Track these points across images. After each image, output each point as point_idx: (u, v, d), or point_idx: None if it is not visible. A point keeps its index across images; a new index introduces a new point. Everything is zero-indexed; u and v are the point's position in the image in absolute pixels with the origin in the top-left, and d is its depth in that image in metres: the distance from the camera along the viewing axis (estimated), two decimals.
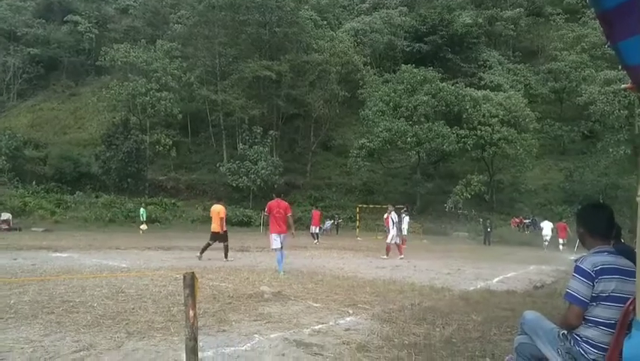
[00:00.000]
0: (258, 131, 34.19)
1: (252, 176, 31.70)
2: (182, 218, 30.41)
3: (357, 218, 27.65)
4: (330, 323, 5.00)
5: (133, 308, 5.39)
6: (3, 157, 30.15)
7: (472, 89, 35.92)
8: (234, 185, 32.13)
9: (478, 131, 32.21)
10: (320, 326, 4.88)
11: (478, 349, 4.17)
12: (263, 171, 31.84)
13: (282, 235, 9.13)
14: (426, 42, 44.35)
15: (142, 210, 25.26)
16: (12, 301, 5.62)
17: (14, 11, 44.81)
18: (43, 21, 46.60)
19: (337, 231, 29.52)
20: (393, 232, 13.38)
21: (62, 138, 38.78)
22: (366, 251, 15.75)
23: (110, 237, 19.38)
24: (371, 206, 27.80)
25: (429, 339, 4.46)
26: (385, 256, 12.99)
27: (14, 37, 42.60)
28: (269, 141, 34.51)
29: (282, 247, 9.10)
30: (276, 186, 32.85)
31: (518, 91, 38.25)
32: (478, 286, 8.29)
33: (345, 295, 6.68)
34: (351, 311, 5.65)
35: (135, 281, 7.38)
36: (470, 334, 4.72)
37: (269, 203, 9.50)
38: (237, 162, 32.44)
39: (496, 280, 9.44)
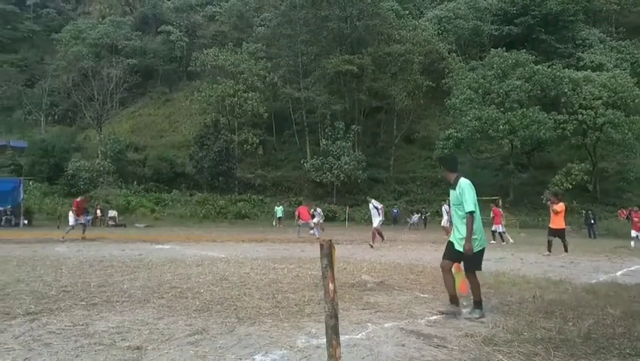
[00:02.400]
0: (341, 126, 34.10)
1: (336, 171, 31.67)
2: (269, 214, 31.17)
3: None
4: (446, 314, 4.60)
5: (238, 295, 5.36)
6: (108, 160, 32.81)
7: (571, 70, 33.07)
8: (318, 181, 32.34)
9: (579, 116, 29.57)
10: (435, 316, 4.51)
11: (628, 346, 3.57)
12: (346, 167, 31.71)
13: None
14: (516, 24, 41.66)
15: (278, 208, 26.59)
16: (125, 287, 5.84)
17: (115, 26, 48.66)
18: (140, 33, 50.17)
19: (425, 225, 28.61)
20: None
21: (159, 141, 41.41)
22: None
23: (205, 231, 20.22)
24: None
25: (564, 334, 3.92)
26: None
27: (115, 50, 46.25)
28: (351, 135, 34.30)
29: None
30: (359, 180, 32.62)
31: (624, 70, 34.58)
32: (601, 279, 7.39)
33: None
34: (465, 303, 5.19)
35: (236, 270, 7.44)
36: (612, 329, 4.10)
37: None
38: (321, 158, 32.60)
39: (619, 273, 8.41)
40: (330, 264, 2.39)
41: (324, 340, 3.58)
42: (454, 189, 4.64)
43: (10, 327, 3.85)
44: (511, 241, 16.32)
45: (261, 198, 33.35)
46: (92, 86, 37.26)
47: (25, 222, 23.07)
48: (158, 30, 49.43)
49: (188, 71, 43.62)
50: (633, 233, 15.59)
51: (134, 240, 14.62)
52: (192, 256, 9.83)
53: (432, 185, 35.58)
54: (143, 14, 53.70)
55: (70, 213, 15.79)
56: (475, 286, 4.66)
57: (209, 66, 36.26)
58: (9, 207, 23.42)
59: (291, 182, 35.66)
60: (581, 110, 29.67)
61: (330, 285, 2.39)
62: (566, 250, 11.51)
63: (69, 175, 30.43)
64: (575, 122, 29.64)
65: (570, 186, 28.39)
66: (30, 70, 48.07)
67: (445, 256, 4.74)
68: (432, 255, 11.11)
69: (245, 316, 4.36)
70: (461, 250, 4.56)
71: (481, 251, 4.63)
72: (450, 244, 4.74)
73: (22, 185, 24.12)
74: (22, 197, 23.72)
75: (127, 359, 3.13)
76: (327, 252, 2.37)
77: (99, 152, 34.16)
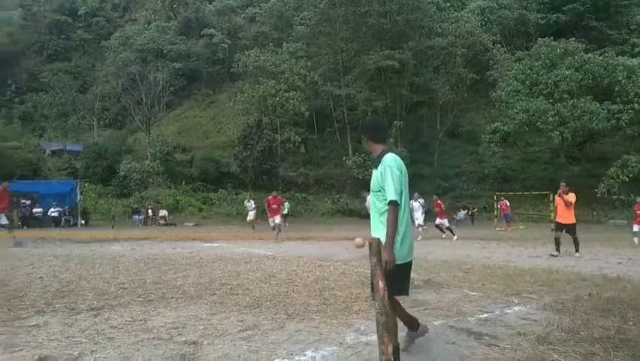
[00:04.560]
0: None
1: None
2: (312, 211, 31.36)
3: (496, 207, 25.76)
4: (497, 313, 4.52)
5: (287, 291, 5.46)
6: (157, 161, 33.97)
7: (625, 57, 31.33)
8: (361, 178, 32.22)
9: (635, 105, 28.00)
10: (486, 315, 4.44)
11: None
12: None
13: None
14: (564, 11, 39.86)
15: (286, 204, 26.76)
16: (178, 283, 6.07)
17: (160, 32, 50.27)
18: (184, 37, 51.58)
19: (472, 221, 27.97)
20: None
21: (205, 141, 42.46)
22: (509, 241, 14.53)
23: (250, 229, 20.61)
24: (510, 193, 25.73)
25: (624, 333, 3.77)
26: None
27: (161, 54, 47.80)
28: (393, 131, 33.94)
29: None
30: None
31: None
32: None
33: (503, 284, 6.07)
34: (516, 301, 5.08)
35: (283, 267, 7.57)
36: None
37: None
38: (363, 155, 32.47)
39: None
40: (379, 262, 2.42)
41: (374, 337, 3.61)
42: (376, 167, 3.23)
43: (77, 321, 4.10)
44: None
45: (304, 195, 33.61)
46: (140, 90, 38.66)
47: (83, 222, 24.28)
48: (201, 33, 50.66)
49: (230, 73, 44.45)
50: (636, 228, 13.69)
51: (185, 238, 15.11)
52: (240, 253, 10.07)
53: (478, 180, 34.72)
54: (186, 19, 55.17)
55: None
56: (392, 323, 2.93)
57: (250, 67, 36.83)
58: (67, 208, 24.72)
59: (333, 179, 35.71)
60: (636, 98, 28.09)
61: (380, 283, 2.41)
62: (577, 249, 9.96)
63: (121, 177, 31.75)
64: (630, 111, 28.04)
65: (627, 179, 26.96)
66: (82, 77, 50.41)
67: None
68: (480, 252, 10.90)
69: (294, 312, 4.45)
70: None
71: (406, 266, 3.09)
72: None
73: (78, 187, 25.37)
74: (79, 198, 24.97)
75: (184, 353, 3.27)
76: (377, 250, 2.40)
77: (148, 154, 35.42)
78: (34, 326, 3.95)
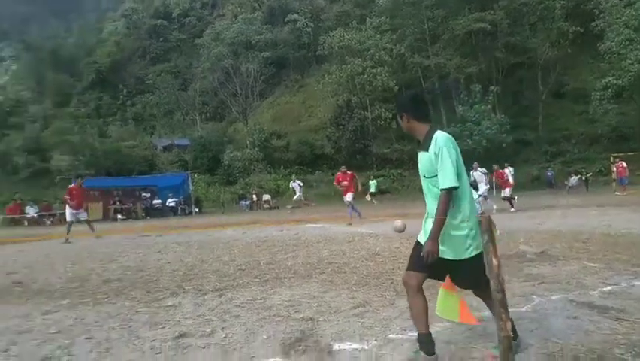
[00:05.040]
0: (477, 89, 32.16)
1: (476, 137, 30.10)
2: (409, 187, 30.96)
3: (612, 170, 23.43)
4: (623, 285, 4.21)
5: (392, 269, 5.55)
6: (256, 148, 35.64)
7: None
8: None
9: None
10: (610, 287, 4.16)
11: None
12: (487, 131, 29.92)
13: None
14: None
15: (372, 182, 26.74)
16: (289, 264, 6.42)
17: (247, 23, 51.98)
18: (270, 26, 52.91)
19: (587, 187, 25.81)
20: None
21: (298, 126, 43.60)
22: (632, 206, 13.22)
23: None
24: (629, 154, 23.25)
25: None
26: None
27: (250, 45, 49.53)
28: (490, 98, 32.14)
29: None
30: (504, 145, 30.56)
31: None
32: None
33: (628, 254, 5.61)
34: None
35: (387, 245, 7.66)
36: None
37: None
38: (459, 126, 31.24)
39: None
40: (491, 240, 2.38)
41: (487, 313, 3.58)
42: (426, 150, 2.78)
43: (205, 301, 4.55)
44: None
45: (399, 172, 33.29)
46: (234, 83, 40.63)
47: (197, 210, 26.35)
48: (285, 20, 51.58)
49: (317, 56, 44.91)
50: None
51: (289, 221, 15.80)
52: (342, 233, 10.33)
53: (591, 142, 31.85)
54: (270, 7, 56.47)
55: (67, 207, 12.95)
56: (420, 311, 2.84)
57: (335, 48, 36.85)
58: (182, 198, 26.95)
59: None
60: None
61: (494, 260, 2.39)
62: None
63: (225, 165, 33.87)
64: None
65: None
66: (182, 75, 53.98)
67: (415, 266, 2.85)
68: (598, 220, 10.08)
69: (402, 290, 4.48)
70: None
71: (476, 258, 2.69)
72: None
73: (189, 178, 27.50)
74: (191, 188, 27.08)
75: (303, 329, 3.50)
76: (487, 228, 2.37)
77: (247, 142, 37.26)
78: (170, 306, 4.44)
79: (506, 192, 15.78)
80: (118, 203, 25.68)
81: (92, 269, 6.89)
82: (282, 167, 35.53)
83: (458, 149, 2.78)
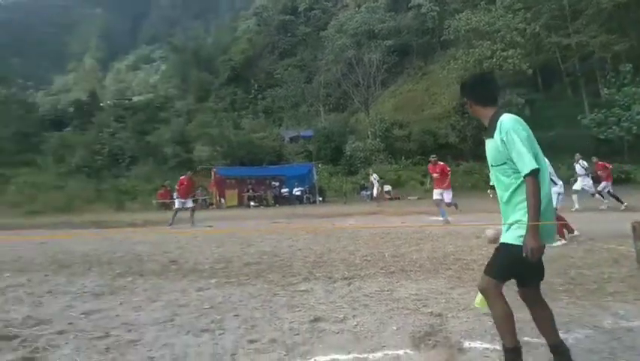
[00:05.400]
0: (627, 69, 28.36)
1: (625, 124, 26.73)
2: None
3: None
4: None
5: None
6: (378, 139, 35.73)
7: None
8: (602, 137, 27.88)
9: None
10: None
11: None
12: (638, 117, 26.37)
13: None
14: None
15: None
16: (414, 257, 6.47)
17: (370, 12, 52.01)
18: (393, 13, 52.31)
19: None
20: None
21: (420, 115, 42.66)
22: None
23: (475, 202, 20.09)
24: None
25: None
26: None
27: (373, 34, 49.53)
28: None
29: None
30: None
31: None
32: None
33: None
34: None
35: None
36: None
37: None
38: (603, 111, 28.00)
39: None
40: None
41: (636, 323, 3.31)
42: (491, 136, 2.62)
43: (335, 289, 4.83)
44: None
45: None
46: (356, 73, 41.07)
47: (320, 199, 27.36)
48: (409, 6, 50.55)
49: (441, 41, 43.39)
50: None
51: (410, 213, 15.71)
52: (468, 227, 10.02)
53: None
54: None
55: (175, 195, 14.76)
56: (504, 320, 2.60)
57: (462, 31, 35.18)
58: (307, 187, 28.17)
59: (565, 141, 31.76)
60: None
61: None
62: None
63: (347, 156, 34.57)
64: None
65: None
66: (307, 68, 55.94)
67: (493, 272, 2.62)
68: None
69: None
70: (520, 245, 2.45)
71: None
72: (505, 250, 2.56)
73: (314, 168, 28.61)
74: (315, 178, 28.17)
75: (432, 324, 3.57)
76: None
77: (369, 132, 37.51)
78: (303, 290, 4.81)
79: (603, 185, 14.09)
80: (251, 191, 27.71)
81: (233, 252, 7.65)
82: (403, 157, 35.16)
83: (530, 131, 2.56)
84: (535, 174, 2.41)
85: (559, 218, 7.02)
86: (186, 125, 42.89)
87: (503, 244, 2.56)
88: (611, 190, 14.19)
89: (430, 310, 3.91)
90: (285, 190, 28.38)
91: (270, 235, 10.00)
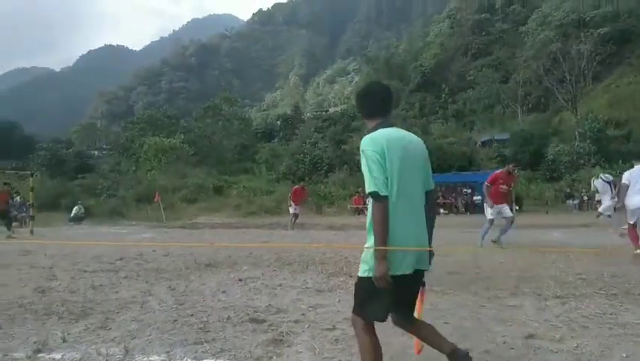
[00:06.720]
0: None
1: None
2: None
3: None
4: None
5: None
6: (588, 141, 31.64)
7: None
8: None
9: None
10: None
11: None
12: None
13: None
14: None
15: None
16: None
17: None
18: None
19: None
20: None
21: None
22: None
23: None
24: None
25: None
26: None
27: (583, 23, 44.09)
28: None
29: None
30: None
31: None
32: None
33: None
34: None
35: None
36: None
37: None
38: None
39: None
40: None
41: None
42: None
43: (547, 307, 4.64)
44: None
45: None
46: (562, 68, 37.11)
47: (517, 207, 25.53)
48: None
49: None
50: None
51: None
52: None
53: None
54: None
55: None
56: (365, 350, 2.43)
57: None
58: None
59: None
60: None
61: None
62: None
63: (549, 160, 31.46)
64: None
65: None
66: (504, 67, 52.64)
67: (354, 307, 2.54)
68: None
69: None
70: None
71: (397, 280, 2.32)
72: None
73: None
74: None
75: None
76: None
77: (576, 133, 33.52)
78: (512, 305, 4.74)
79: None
80: (441, 198, 27.42)
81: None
82: (620, 160, 30.38)
83: (396, 149, 2.38)
84: (375, 197, 2.30)
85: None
86: None
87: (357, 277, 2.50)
88: None
89: None
90: (477, 198, 27.32)
91: (466, 245, 9.90)
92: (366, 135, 2.48)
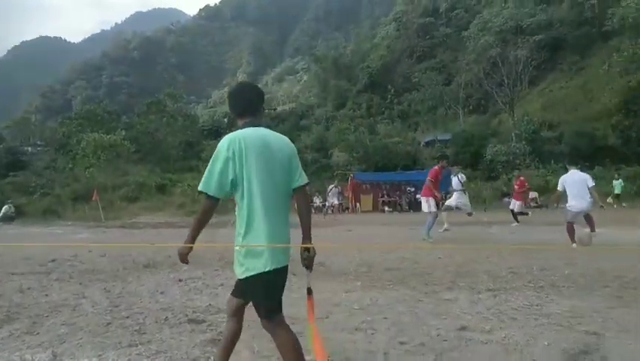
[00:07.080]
0: None
1: None
2: None
3: None
4: None
5: None
6: (523, 142, 33.32)
7: None
8: None
9: None
10: None
11: None
12: None
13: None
14: None
15: (616, 182, 22.57)
16: (566, 272, 6.12)
17: (518, 7, 48.82)
18: (544, 5, 48.33)
19: None
20: None
21: (573, 114, 38.71)
22: None
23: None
24: None
25: None
26: None
27: (520, 30, 46.31)
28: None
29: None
30: None
31: None
32: None
33: None
34: None
35: None
36: None
37: None
38: None
39: None
40: None
41: None
42: None
43: (480, 300, 4.85)
44: None
45: None
46: (501, 72, 38.89)
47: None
48: None
49: (602, 32, 38.94)
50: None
51: (558, 223, 14.48)
52: (632, 242, 9.04)
53: None
54: None
55: None
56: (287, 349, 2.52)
57: (629, 19, 31.22)
58: (443, 192, 27.45)
59: None
60: None
61: None
62: None
63: (487, 160, 32.86)
64: None
65: None
66: (447, 70, 54.38)
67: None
68: None
69: None
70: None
71: (264, 278, 2.48)
72: None
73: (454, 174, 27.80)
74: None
75: (587, 343, 3.45)
76: None
77: (513, 135, 35.20)
78: (447, 299, 4.91)
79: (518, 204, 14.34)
80: (386, 196, 27.98)
81: (374, 257, 8.00)
82: (552, 161, 32.28)
83: (252, 147, 2.44)
84: (204, 195, 2.45)
85: None
86: (325, 132, 44.81)
87: None
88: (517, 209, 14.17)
89: (584, 329, 3.76)
90: (420, 196, 28.15)
91: (409, 241, 10.17)
92: (229, 135, 2.52)
